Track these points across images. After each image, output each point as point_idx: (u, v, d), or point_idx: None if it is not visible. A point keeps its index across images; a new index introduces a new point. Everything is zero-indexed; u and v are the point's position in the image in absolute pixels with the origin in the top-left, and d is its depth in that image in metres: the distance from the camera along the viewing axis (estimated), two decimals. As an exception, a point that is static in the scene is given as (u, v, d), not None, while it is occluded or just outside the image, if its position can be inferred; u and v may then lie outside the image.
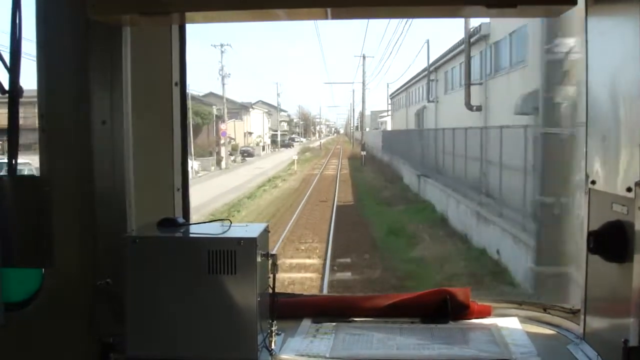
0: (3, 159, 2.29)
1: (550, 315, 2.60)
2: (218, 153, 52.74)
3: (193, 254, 2.18)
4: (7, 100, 2.22)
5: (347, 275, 13.99)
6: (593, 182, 2.23)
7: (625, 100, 2.01)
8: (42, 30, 2.25)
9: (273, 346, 2.31)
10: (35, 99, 2.23)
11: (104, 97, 2.34)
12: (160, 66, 2.50)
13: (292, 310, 2.65)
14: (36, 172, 2.30)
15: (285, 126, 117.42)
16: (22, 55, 2.23)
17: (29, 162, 8.63)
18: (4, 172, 2.28)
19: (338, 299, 2.89)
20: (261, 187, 34.03)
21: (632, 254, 1.93)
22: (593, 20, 2.22)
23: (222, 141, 53.98)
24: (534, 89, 11.93)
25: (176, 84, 2.53)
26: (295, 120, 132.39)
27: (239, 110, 76.18)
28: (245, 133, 76.95)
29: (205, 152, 52.80)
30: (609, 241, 2.05)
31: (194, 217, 2.80)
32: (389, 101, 71.79)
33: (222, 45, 55.90)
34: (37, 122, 2.26)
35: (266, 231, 2.33)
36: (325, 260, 15.53)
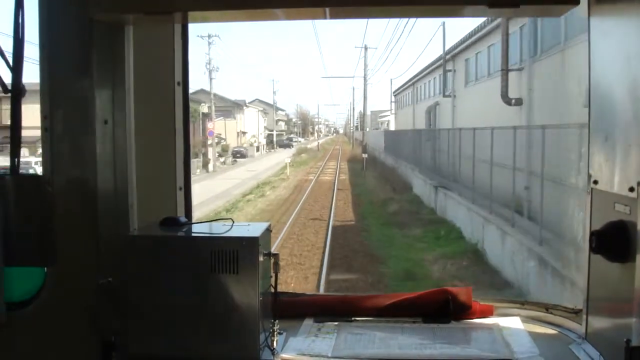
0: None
1: (553, 315, 2.60)
2: (205, 154, 48.57)
3: (195, 254, 2.18)
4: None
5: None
6: (595, 182, 2.23)
7: (628, 100, 2.01)
8: (44, 29, 2.25)
9: (275, 345, 2.31)
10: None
11: (106, 96, 2.34)
12: (162, 65, 2.50)
13: (294, 309, 2.65)
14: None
15: (283, 126, 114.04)
16: (25, 54, 2.24)
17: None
18: (6, 171, 2.28)
19: (340, 298, 2.89)
20: (246, 195, 29.25)
21: (634, 254, 1.93)
22: (595, 20, 2.22)
23: (209, 141, 49.40)
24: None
25: (178, 84, 2.53)
26: (294, 120, 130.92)
27: (232, 108, 71.88)
28: (238, 132, 72.31)
29: (191, 153, 49.70)
30: (612, 241, 2.05)
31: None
32: (392, 99, 64.22)
33: (209, 37, 51.72)
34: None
35: (268, 230, 2.33)
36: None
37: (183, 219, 2.44)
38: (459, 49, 28.88)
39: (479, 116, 22.62)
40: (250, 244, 2.16)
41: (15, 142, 2.25)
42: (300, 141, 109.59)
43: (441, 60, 31.20)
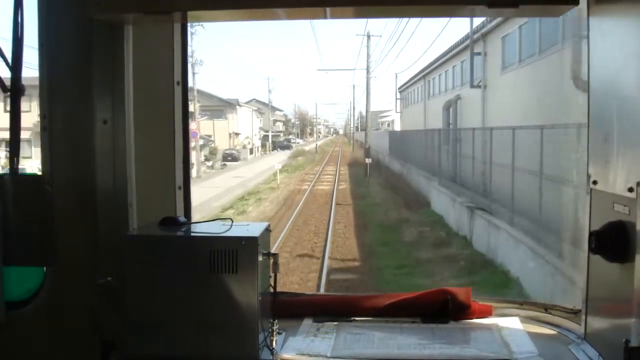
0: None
1: (552, 315, 2.60)
2: (189, 158, 45.23)
3: (194, 253, 2.18)
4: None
5: None
6: (595, 182, 2.23)
7: (627, 101, 2.01)
8: (44, 29, 2.25)
9: (274, 345, 2.31)
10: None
11: (105, 96, 2.34)
12: (162, 65, 2.50)
13: (293, 309, 2.65)
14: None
15: (281, 126, 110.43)
16: (24, 54, 2.24)
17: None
18: (5, 171, 2.28)
19: (339, 298, 2.89)
20: (226, 210, 23.27)
21: (633, 254, 1.93)
22: (595, 20, 2.22)
23: (192, 144, 44.35)
24: None
25: (178, 83, 2.53)
26: (292, 121, 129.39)
27: (223, 107, 64.60)
28: (230, 134, 64.98)
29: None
30: (611, 241, 2.05)
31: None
32: (397, 95, 55.35)
33: (191, 26, 47.77)
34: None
35: (267, 230, 2.33)
36: None
37: (182, 218, 2.44)
38: (493, 24, 21.45)
39: (523, 111, 16.88)
40: (249, 243, 2.16)
41: (14, 142, 2.25)
42: (298, 142, 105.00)
43: (465, 43, 24.80)
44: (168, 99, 2.51)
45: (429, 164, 25.86)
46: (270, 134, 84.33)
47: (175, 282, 2.18)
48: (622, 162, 2.06)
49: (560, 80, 12.63)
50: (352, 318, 2.66)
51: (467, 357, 2.29)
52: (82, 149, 2.28)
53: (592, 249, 2.13)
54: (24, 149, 2.27)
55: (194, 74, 46.57)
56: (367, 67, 46.07)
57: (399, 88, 53.98)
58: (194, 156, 44.63)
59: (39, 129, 2.26)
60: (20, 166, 2.28)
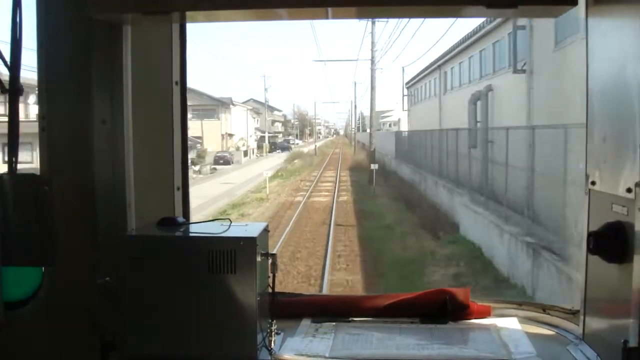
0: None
1: (550, 315, 2.60)
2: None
3: (193, 254, 2.18)
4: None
5: None
6: (593, 183, 2.23)
7: (626, 101, 2.01)
8: (42, 29, 2.25)
9: (272, 345, 2.31)
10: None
11: (104, 96, 2.34)
12: (160, 65, 2.50)
13: (291, 309, 2.65)
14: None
15: (279, 127, 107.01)
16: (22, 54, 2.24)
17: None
18: (4, 171, 2.28)
19: (338, 298, 2.89)
20: None
21: (632, 255, 1.93)
22: (593, 21, 2.23)
23: None
24: None
25: (177, 83, 2.54)
26: (292, 122, 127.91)
27: (215, 107, 59.90)
28: (223, 135, 60.85)
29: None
30: (609, 242, 2.05)
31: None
32: (405, 92, 46.53)
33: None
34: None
35: (266, 231, 2.34)
36: None
37: (181, 219, 2.44)
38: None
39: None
40: (248, 244, 2.16)
41: (12, 142, 2.25)
42: (298, 143, 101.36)
43: (497, 21, 20.02)
44: (167, 99, 2.51)
45: (450, 172, 20.55)
46: (266, 134, 79.46)
47: (174, 282, 2.18)
48: (620, 163, 2.06)
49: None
50: (350, 318, 2.66)
51: (465, 357, 2.29)
52: (80, 149, 2.29)
53: (590, 250, 2.13)
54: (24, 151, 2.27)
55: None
56: (372, 57, 38.18)
57: (406, 83, 46.24)
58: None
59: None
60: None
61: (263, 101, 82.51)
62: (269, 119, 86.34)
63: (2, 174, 2.27)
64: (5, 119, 2.22)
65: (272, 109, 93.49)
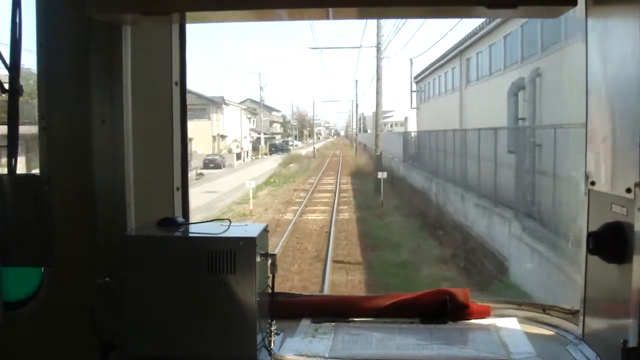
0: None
1: (550, 315, 2.60)
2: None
3: (193, 254, 2.18)
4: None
5: None
6: (593, 183, 2.23)
7: (625, 101, 2.01)
8: (42, 29, 2.25)
9: (272, 346, 2.31)
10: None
11: (104, 96, 2.34)
12: (160, 65, 2.51)
13: (291, 310, 2.65)
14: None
15: (278, 128, 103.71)
16: (22, 54, 2.24)
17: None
18: (4, 171, 2.28)
19: (337, 299, 2.89)
20: None
21: (631, 255, 1.93)
22: (593, 21, 2.23)
23: None
24: None
25: (176, 84, 2.54)
26: (291, 122, 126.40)
27: (206, 106, 54.10)
28: (215, 136, 55.34)
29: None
30: (609, 242, 2.05)
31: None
32: (413, 87, 39.97)
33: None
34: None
35: (265, 231, 2.34)
36: None
37: (180, 219, 2.44)
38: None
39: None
40: (247, 244, 2.17)
41: (12, 142, 2.25)
42: (297, 145, 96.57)
43: None
44: (166, 99, 2.51)
45: (483, 183, 15.76)
46: (262, 136, 73.70)
47: (174, 283, 2.18)
48: (620, 163, 2.06)
49: None
50: (350, 319, 2.66)
51: (465, 357, 2.29)
52: (80, 149, 2.29)
53: (590, 250, 2.13)
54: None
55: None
56: (378, 43, 31.38)
57: (415, 77, 39.81)
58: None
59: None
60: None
61: (264, 102, 78.45)
62: (267, 119, 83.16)
63: (1, 174, 2.27)
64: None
65: (270, 109, 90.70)
